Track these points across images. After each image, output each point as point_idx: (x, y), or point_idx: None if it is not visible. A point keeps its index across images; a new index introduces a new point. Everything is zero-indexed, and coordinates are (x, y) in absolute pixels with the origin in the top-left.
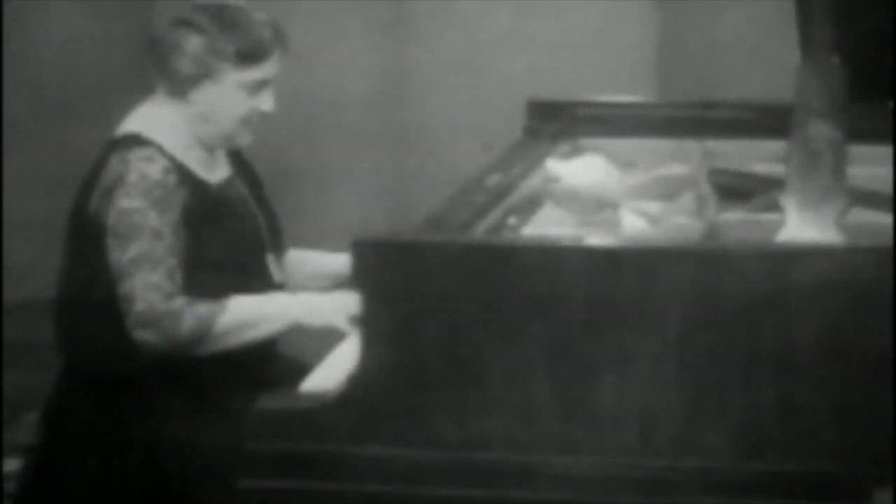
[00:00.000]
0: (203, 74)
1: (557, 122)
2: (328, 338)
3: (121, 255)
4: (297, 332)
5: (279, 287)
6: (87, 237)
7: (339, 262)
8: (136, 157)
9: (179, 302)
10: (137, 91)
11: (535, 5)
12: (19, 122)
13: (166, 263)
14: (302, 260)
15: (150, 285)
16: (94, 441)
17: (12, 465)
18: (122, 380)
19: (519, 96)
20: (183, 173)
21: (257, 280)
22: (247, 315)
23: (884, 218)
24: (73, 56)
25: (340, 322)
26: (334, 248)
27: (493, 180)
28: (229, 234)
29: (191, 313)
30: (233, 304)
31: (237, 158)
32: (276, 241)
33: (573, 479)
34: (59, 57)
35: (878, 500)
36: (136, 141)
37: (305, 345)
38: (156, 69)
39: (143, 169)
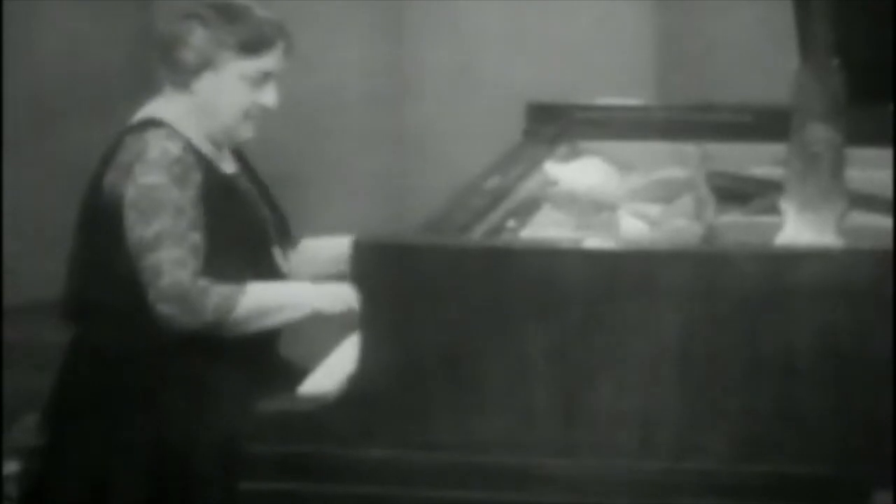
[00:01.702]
0: (206, 65)
1: (556, 124)
2: (328, 339)
3: (143, 230)
4: (299, 332)
5: (286, 279)
6: (102, 213)
7: (341, 245)
8: (154, 135)
9: (205, 281)
10: (138, 91)
11: (533, 7)
12: (19, 122)
13: (189, 239)
14: (308, 247)
15: (176, 260)
16: (95, 440)
17: (12, 467)
18: (125, 371)
19: (518, 99)
20: (198, 156)
21: (265, 270)
22: (268, 300)
23: (883, 221)
24: (73, 56)
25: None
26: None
27: (493, 183)
28: (240, 223)
29: (216, 292)
30: (255, 288)
31: (241, 158)
32: (283, 237)
33: (572, 481)
34: (59, 57)
35: (879, 502)
36: (152, 123)
37: (305, 347)
38: (161, 62)
39: (164, 145)
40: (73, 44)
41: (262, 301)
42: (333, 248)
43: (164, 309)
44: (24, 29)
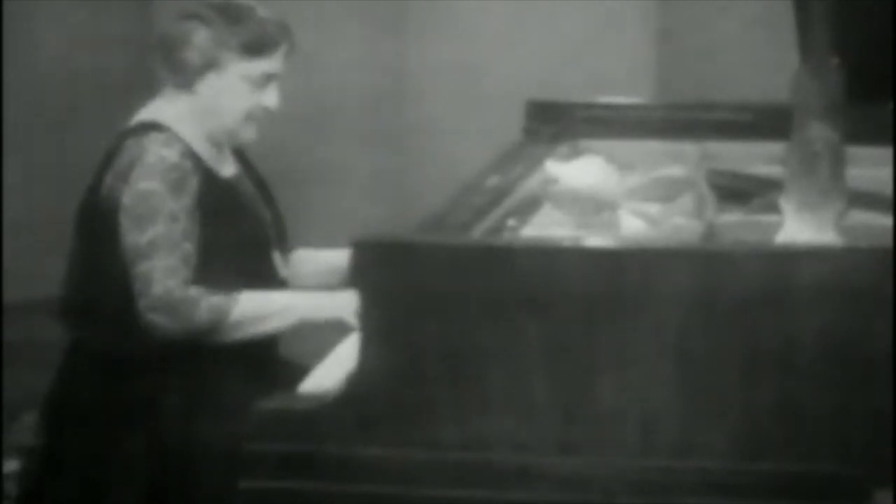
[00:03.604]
0: (209, 65)
1: (557, 123)
2: (327, 339)
3: (137, 236)
4: (297, 333)
5: (284, 283)
6: (99, 217)
7: (339, 257)
8: (152, 140)
9: (195, 290)
10: (137, 91)
11: (534, 6)
12: (19, 123)
13: (182, 248)
14: (302, 258)
15: (167, 269)
16: (94, 442)
17: (11, 465)
18: (124, 374)
19: (518, 97)
20: (196, 161)
21: (264, 275)
22: (258, 309)
23: (883, 219)
24: (73, 57)
25: (347, 315)
26: (334, 248)
27: (493, 181)
28: (238, 228)
29: (206, 302)
30: (244, 297)
31: (242, 158)
32: (282, 239)
33: (573, 479)
34: (59, 58)
35: (879, 501)
36: (151, 127)
37: (305, 347)
38: (163, 63)
39: (161, 151)
40: (73, 44)
41: (251, 310)
42: (334, 259)
43: (153, 318)
44: (24, 29)
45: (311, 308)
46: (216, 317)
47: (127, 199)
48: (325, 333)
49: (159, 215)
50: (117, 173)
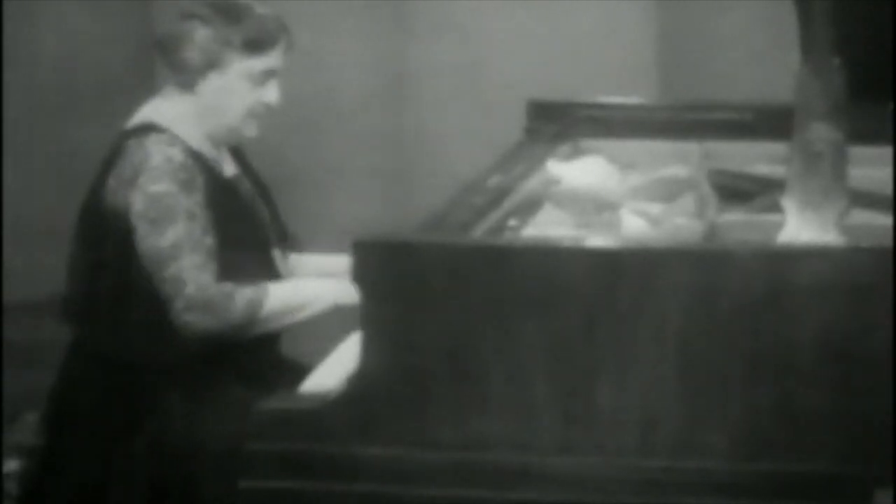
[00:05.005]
0: (210, 64)
1: (558, 123)
2: (328, 338)
3: (157, 240)
4: (300, 331)
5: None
6: (105, 221)
7: (335, 263)
8: (154, 142)
9: (229, 284)
10: (137, 90)
11: (534, 6)
12: (19, 121)
13: (205, 243)
14: (297, 263)
15: (196, 266)
16: (95, 443)
17: (12, 465)
18: (126, 374)
19: (519, 97)
20: (199, 160)
21: (265, 274)
22: (289, 299)
23: (884, 219)
24: (72, 56)
25: None
26: (333, 249)
27: (494, 181)
28: (240, 228)
29: (241, 296)
30: (274, 288)
31: (241, 158)
32: (281, 238)
33: (573, 479)
34: (58, 57)
35: (879, 501)
36: (151, 128)
37: (305, 347)
38: (164, 62)
39: (166, 152)
40: (73, 44)
41: (285, 300)
42: (328, 266)
43: (190, 317)
44: (24, 29)
45: (341, 293)
46: (251, 310)
47: (139, 203)
48: (327, 332)
49: (177, 215)
50: (122, 177)
